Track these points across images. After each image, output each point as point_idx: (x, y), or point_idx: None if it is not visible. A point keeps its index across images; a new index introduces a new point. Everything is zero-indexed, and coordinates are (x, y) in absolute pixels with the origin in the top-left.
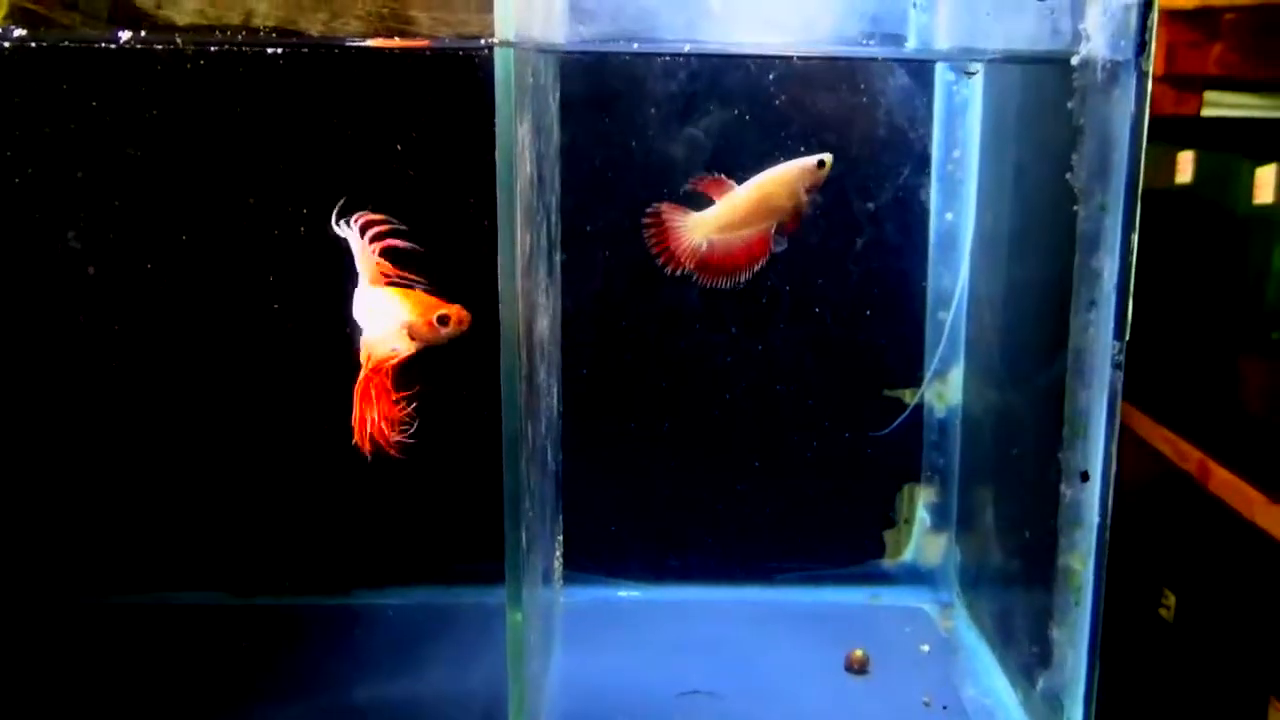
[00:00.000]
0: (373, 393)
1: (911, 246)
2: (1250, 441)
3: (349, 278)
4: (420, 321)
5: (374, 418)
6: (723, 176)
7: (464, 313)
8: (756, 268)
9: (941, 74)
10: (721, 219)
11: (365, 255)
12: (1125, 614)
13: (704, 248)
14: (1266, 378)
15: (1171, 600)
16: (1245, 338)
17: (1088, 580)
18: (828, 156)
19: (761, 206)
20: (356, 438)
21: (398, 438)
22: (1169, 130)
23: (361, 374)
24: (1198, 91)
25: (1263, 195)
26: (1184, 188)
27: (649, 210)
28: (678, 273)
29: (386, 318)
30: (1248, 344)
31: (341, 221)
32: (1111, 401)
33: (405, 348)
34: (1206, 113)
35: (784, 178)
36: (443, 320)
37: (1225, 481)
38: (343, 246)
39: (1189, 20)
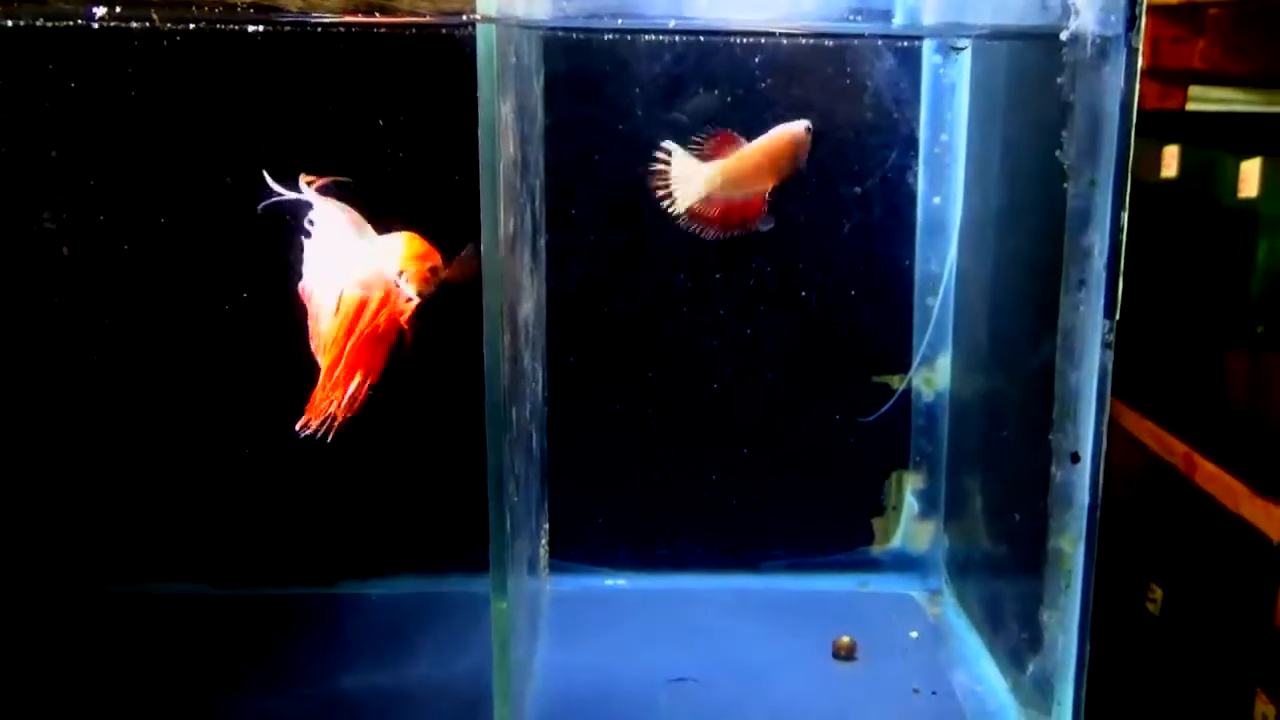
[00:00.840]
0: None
1: (899, 231)
2: (1236, 434)
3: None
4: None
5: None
6: (732, 133)
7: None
8: (750, 228)
9: (928, 56)
10: (727, 173)
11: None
12: (1112, 608)
13: (705, 197)
14: (1251, 371)
15: (1158, 594)
16: (1230, 331)
17: (1078, 563)
18: (808, 123)
19: (765, 166)
20: (343, 397)
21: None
22: (1154, 125)
23: (369, 322)
24: (1182, 86)
25: (1247, 189)
26: (1169, 182)
27: (662, 145)
28: (675, 212)
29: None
30: (1233, 338)
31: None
32: (1102, 381)
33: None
34: (1191, 107)
35: (785, 139)
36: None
37: (1211, 475)
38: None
39: (1173, 15)
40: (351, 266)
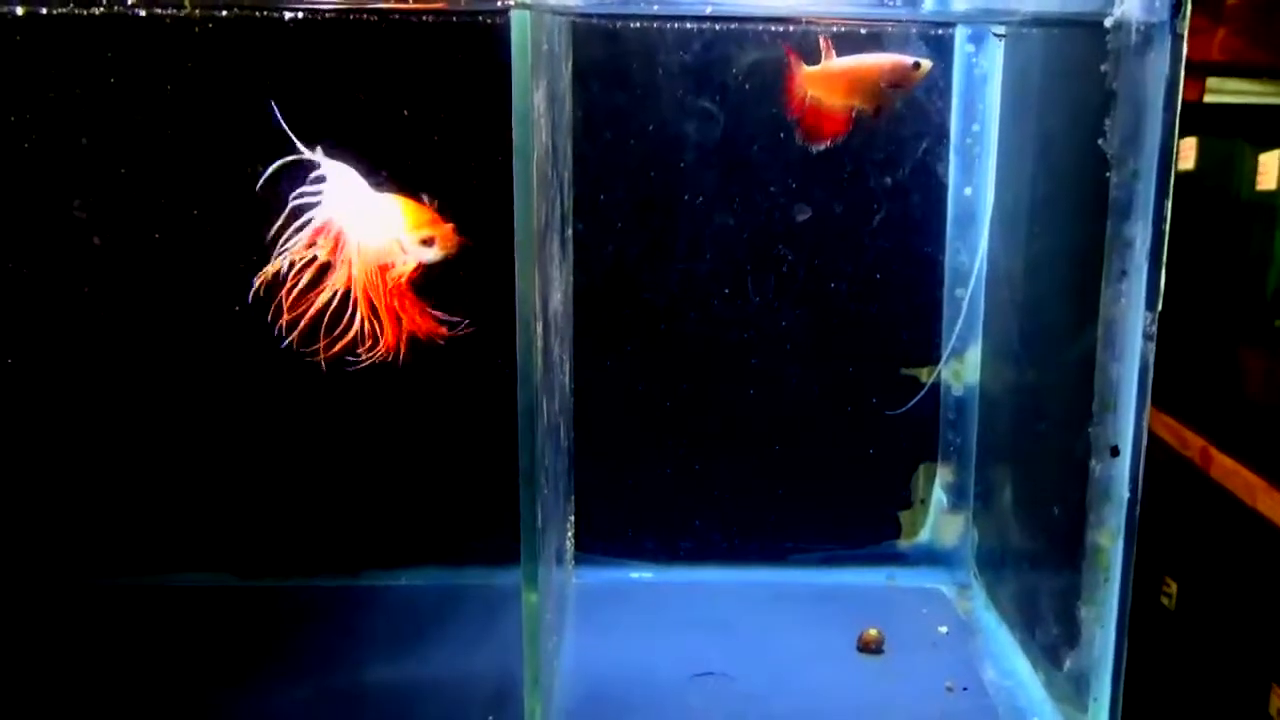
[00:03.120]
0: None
1: (929, 222)
2: (1252, 428)
3: None
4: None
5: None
6: (830, 39)
7: (451, 236)
8: (835, 141)
9: (960, 45)
10: (824, 72)
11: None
12: None
13: (808, 101)
14: (1268, 365)
15: (1173, 588)
16: (1247, 325)
17: (1116, 557)
18: (926, 61)
19: (849, 81)
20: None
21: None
22: None
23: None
24: (1200, 78)
25: (1265, 182)
26: (1187, 174)
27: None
28: (790, 119)
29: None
30: (1250, 331)
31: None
32: (1143, 374)
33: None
34: (1209, 99)
35: (881, 62)
36: (426, 242)
37: (1227, 468)
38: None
39: (1192, 6)
40: (367, 221)
